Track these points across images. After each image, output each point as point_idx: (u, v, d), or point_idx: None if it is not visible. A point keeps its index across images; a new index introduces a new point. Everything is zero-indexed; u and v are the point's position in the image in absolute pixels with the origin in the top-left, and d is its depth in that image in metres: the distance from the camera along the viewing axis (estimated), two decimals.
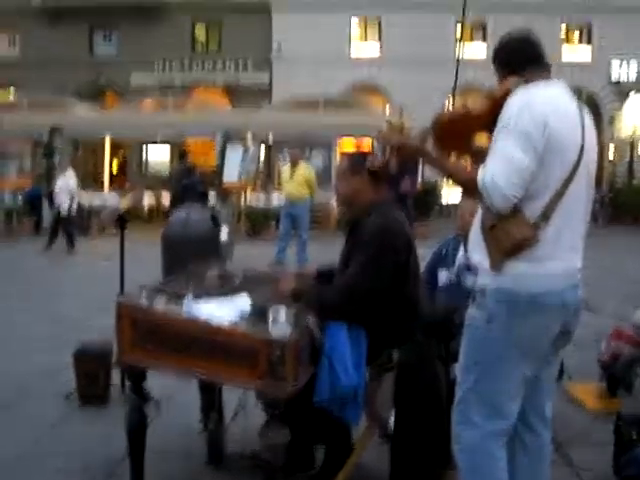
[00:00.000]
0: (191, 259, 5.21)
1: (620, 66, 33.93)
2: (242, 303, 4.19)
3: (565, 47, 34.19)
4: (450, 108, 4.26)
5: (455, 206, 8.30)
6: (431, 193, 25.58)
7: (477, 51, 32.20)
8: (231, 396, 5.05)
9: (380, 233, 4.27)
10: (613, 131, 33.66)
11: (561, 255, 3.37)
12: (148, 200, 24.24)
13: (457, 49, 32.99)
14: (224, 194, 19.82)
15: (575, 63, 32.47)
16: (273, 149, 26.93)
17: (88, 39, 35.91)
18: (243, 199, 22.89)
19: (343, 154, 22.09)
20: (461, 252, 5.36)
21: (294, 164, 14.94)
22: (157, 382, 4.54)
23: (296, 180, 14.71)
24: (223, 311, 4.02)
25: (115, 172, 31.82)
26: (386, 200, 4.54)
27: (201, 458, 5.06)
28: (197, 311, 4.03)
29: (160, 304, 4.15)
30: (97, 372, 6.33)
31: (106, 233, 20.87)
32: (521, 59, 3.57)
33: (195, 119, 25.06)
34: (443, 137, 3.63)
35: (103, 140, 26.07)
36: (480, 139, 3.61)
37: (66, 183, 18.36)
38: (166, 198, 20.02)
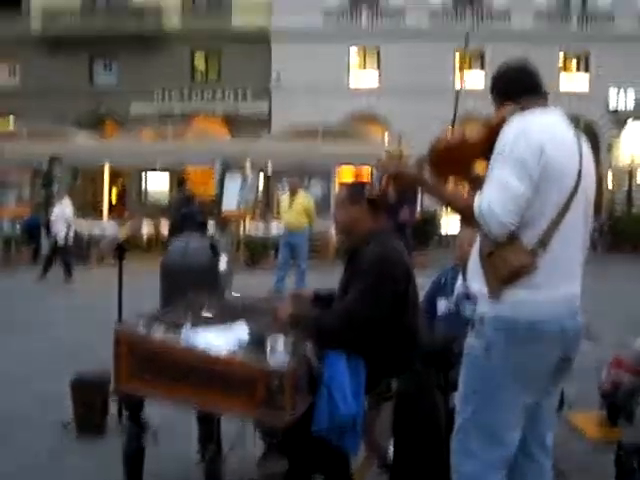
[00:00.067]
0: (190, 288, 5.20)
1: (617, 94, 34.08)
2: (240, 332, 4.18)
3: (563, 75, 34.36)
4: (447, 136, 4.26)
5: (454, 236, 8.30)
6: (430, 223, 25.61)
7: (475, 80, 32.36)
8: (229, 426, 5.02)
9: (379, 262, 4.27)
10: (611, 159, 33.75)
11: (560, 282, 3.36)
12: (147, 229, 24.23)
13: (456, 78, 33.49)
14: (223, 223, 19.84)
15: (573, 93, 32.62)
16: (272, 178, 26.97)
17: (88, 68, 36.11)
18: (242, 228, 22.89)
19: (342, 184, 22.14)
20: (460, 281, 5.35)
21: (293, 193, 14.94)
22: (155, 411, 4.52)
23: (295, 209, 14.70)
24: (221, 340, 4.01)
25: (114, 201, 31.86)
26: (385, 229, 4.55)
27: None
28: (195, 340, 4.02)
29: (158, 333, 4.14)
30: (94, 401, 6.30)
31: (105, 263, 20.85)
32: (519, 88, 3.58)
33: (194, 148, 25.12)
34: (440, 165, 3.64)
35: (102, 168, 26.05)
36: (479, 167, 3.62)
37: (62, 212, 18.35)
38: (165, 227, 20.01)
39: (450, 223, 25.32)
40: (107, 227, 24.00)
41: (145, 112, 33.86)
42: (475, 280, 3.48)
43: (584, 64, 35.10)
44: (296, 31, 33.50)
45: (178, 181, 18.40)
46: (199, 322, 4.29)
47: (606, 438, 6.01)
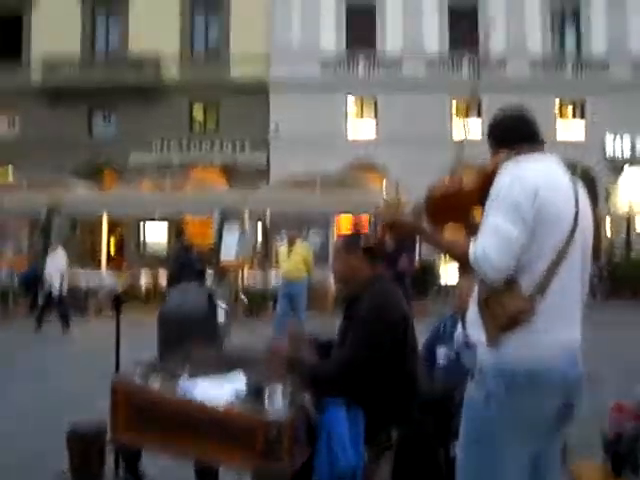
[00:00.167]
0: (187, 338, 5.17)
1: (614, 141, 34.25)
2: (238, 382, 4.14)
3: (559, 122, 34.53)
4: (442, 183, 4.28)
5: (453, 286, 8.29)
6: (429, 272, 25.60)
7: (472, 128, 32.60)
8: (228, 478, 4.96)
9: (376, 309, 4.27)
10: (609, 206, 33.82)
11: (559, 327, 3.33)
12: (145, 280, 24.18)
13: (453, 127, 33.71)
14: (221, 273, 19.81)
15: (569, 140, 32.79)
16: (270, 228, 27.01)
17: (87, 119, 36.27)
18: (240, 278, 22.85)
19: (339, 235, 22.16)
20: (459, 329, 5.33)
21: (291, 243, 14.98)
22: (152, 462, 4.47)
23: (293, 259, 14.72)
24: (219, 390, 3.98)
25: (113, 251, 31.88)
26: (382, 276, 4.55)
27: None
28: (193, 390, 3.99)
29: (155, 383, 4.10)
30: (90, 452, 6.24)
31: (103, 314, 20.77)
32: (515, 136, 3.59)
33: (193, 198, 25.21)
34: (436, 212, 3.64)
35: (101, 219, 26.09)
36: (477, 213, 3.62)
37: (56, 263, 18.35)
38: (164, 277, 19.98)
39: (449, 273, 25.29)
40: (105, 278, 23.98)
41: (144, 162, 33.97)
42: (474, 328, 3.46)
43: (580, 111, 35.29)
44: (294, 81, 33.72)
45: (176, 231, 18.46)
46: (197, 372, 4.26)
47: None
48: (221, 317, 7.46)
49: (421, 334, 4.81)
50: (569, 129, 34.67)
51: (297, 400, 3.95)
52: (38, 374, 12.10)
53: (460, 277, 5.73)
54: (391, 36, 35.20)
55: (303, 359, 4.43)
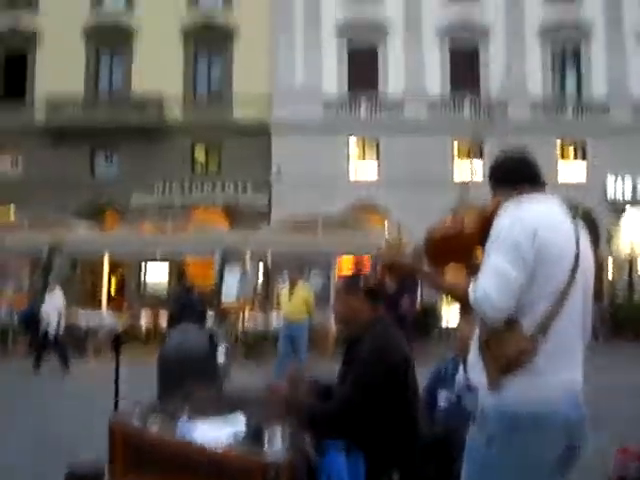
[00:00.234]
0: (187, 379, 5.14)
1: (615, 182, 34.31)
2: (237, 423, 4.11)
3: (561, 163, 34.59)
4: (442, 225, 4.27)
5: (455, 328, 8.24)
6: (431, 314, 25.54)
7: (474, 169, 32.80)
8: None
9: (377, 351, 4.25)
10: (611, 248, 33.82)
11: (561, 368, 3.31)
12: (146, 320, 24.13)
13: (455, 168, 33.82)
14: (222, 314, 19.78)
15: (571, 182, 32.88)
16: (272, 269, 27.00)
17: (90, 159, 36.38)
18: (241, 320, 22.79)
19: (341, 276, 22.14)
20: (461, 372, 5.29)
21: (292, 284, 14.95)
22: None
23: (295, 301, 14.69)
24: (218, 432, 3.95)
25: (113, 291, 31.82)
26: (383, 318, 4.54)
27: None
28: (192, 432, 3.96)
29: (154, 425, 4.07)
30: None
31: (103, 355, 20.68)
32: (517, 178, 3.59)
33: (194, 238, 25.21)
34: (436, 254, 3.64)
35: (102, 259, 26.10)
36: (479, 254, 3.61)
37: (53, 302, 18.32)
38: (164, 318, 19.94)
39: (451, 315, 25.23)
40: (105, 318, 23.92)
41: (146, 203, 34.05)
42: (475, 370, 3.44)
43: (581, 153, 35.38)
44: (296, 123, 33.86)
45: (178, 272, 18.48)
46: (196, 414, 4.23)
47: None
48: (221, 358, 7.44)
49: (422, 376, 4.78)
50: (570, 171, 34.74)
51: (297, 442, 3.91)
52: (36, 414, 12.01)
53: (461, 319, 5.71)
54: (393, 78, 35.43)
55: (302, 400, 4.40)
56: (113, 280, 31.93)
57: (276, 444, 3.76)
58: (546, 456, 3.30)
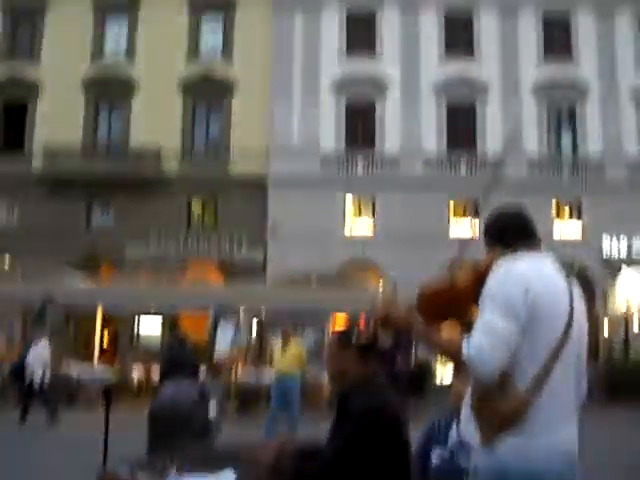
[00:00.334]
0: (177, 434, 5.07)
1: (610, 241, 34.38)
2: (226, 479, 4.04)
3: (556, 223, 34.70)
4: (434, 282, 4.25)
5: (449, 386, 8.21)
6: (425, 372, 25.41)
7: (468, 227, 32.86)
8: None
9: (365, 411, 4.20)
10: (607, 306, 33.78)
11: (555, 426, 3.26)
12: (137, 373, 23.98)
13: (450, 226, 33.88)
14: (215, 369, 19.65)
15: (567, 241, 32.97)
16: (265, 324, 26.91)
17: (85, 210, 36.39)
18: (234, 374, 22.64)
19: (333, 332, 22.08)
20: (454, 429, 5.23)
21: (285, 341, 14.89)
22: None
23: (287, 357, 14.64)
24: None
25: (105, 344, 31.61)
26: (376, 374, 4.49)
27: None
28: None
29: None
30: None
31: (93, 408, 20.46)
32: (511, 234, 3.59)
33: (188, 293, 25.18)
34: (428, 311, 3.61)
35: (95, 311, 25.99)
36: (474, 311, 3.58)
37: (39, 354, 18.21)
38: (156, 372, 19.79)
39: (445, 372, 25.11)
40: (97, 371, 23.76)
41: (140, 255, 33.97)
42: (468, 428, 3.39)
43: (577, 211, 35.53)
44: (293, 178, 34.00)
45: (170, 325, 18.34)
46: (185, 469, 4.15)
47: None
48: (213, 413, 7.34)
49: (416, 432, 4.72)
50: (566, 229, 34.84)
51: None
52: (22, 469, 11.86)
53: (454, 377, 5.67)
54: (390, 134, 35.68)
55: (287, 463, 4.32)
56: (106, 332, 31.74)
57: None
58: None
